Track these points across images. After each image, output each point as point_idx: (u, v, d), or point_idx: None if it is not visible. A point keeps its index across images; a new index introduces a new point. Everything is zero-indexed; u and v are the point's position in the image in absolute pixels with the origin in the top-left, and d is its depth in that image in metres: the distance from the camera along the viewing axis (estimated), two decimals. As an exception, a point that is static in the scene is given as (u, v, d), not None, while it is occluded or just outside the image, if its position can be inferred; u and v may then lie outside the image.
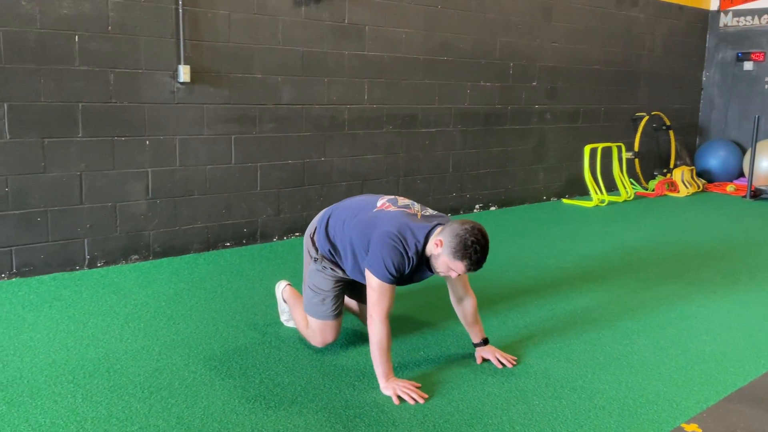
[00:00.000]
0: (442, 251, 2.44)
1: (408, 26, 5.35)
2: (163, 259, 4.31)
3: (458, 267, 2.44)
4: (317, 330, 2.82)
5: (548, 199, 6.80)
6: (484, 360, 2.78)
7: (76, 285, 3.74)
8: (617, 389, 2.58)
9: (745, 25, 8.01)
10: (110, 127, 4.05)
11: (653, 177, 7.77)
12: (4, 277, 3.80)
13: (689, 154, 8.31)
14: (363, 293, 2.81)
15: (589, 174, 6.71)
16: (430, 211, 2.69)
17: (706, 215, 6.21)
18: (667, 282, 4.00)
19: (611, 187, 7.03)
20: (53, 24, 3.78)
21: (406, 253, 2.47)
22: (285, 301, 3.14)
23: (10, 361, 2.74)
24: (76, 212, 3.99)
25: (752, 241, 5.17)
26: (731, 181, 7.89)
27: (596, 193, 6.68)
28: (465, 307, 2.77)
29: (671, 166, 7.86)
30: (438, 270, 2.52)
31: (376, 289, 2.50)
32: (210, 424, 2.29)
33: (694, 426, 2.30)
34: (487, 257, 2.46)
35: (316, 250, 2.83)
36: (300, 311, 2.95)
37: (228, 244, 4.64)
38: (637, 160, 7.48)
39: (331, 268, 2.79)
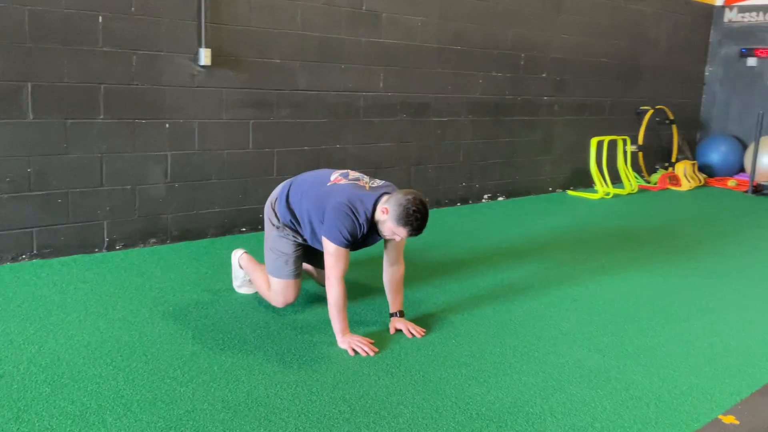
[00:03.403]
0: (387, 218, 2.74)
1: (423, 14, 5.35)
2: (180, 243, 4.30)
3: (401, 232, 2.74)
4: (280, 290, 3.08)
5: (553, 191, 6.85)
6: (397, 330, 2.99)
7: (98, 267, 3.73)
8: (651, 381, 2.62)
9: (749, 21, 8.08)
10: (131, 110, 4.03)
11: (655, 170, 7.84)
12: (24, 258, 3.78)
13: (690, 149, 8.39)
14: (319, 259, 3.10)
15: (596, 166, 6.76)
16: (377, 182, 2.96)
17: (712, 209, 6.28)
18: (683, 275, 4.05)
19: (615, 179, 7.08)
20: (78, 3, 3.74)
21: (357, 220, 2.76)
22: (241, 267, 3.37)
23: (45, 342, 2.74)
24: (96, 194, 3.97)
25: (761, 236, 5.24)
26: (732, 176, 7.98)
27: (602, 186, 6.73)
28: (394, 273, 3.01)
29: (673, 160, 7.93)
30: (384, 234, 2.82)
31: (332, 253, 2.77)
32: (255, 408, 2.31)
33: (731, 418, 2.34)
34: (427, 223, 2.75)
35: (278, 219, 3.09)
36: (261, 275, 3.20)
37: (243, 229, 4.64)
38: (640, 154, 7.54)
39: (293, 235, 3.08)
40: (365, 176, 3.02)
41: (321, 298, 3.36)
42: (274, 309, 3.21)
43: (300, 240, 3.09)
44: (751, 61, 8.12)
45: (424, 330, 3.01)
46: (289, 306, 3.21)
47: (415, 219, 2.69)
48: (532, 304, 3.45)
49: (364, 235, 2.82)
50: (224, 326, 3.00)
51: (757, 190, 7.29)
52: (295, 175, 4.77)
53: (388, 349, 2.82)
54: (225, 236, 4.53)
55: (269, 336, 2.91)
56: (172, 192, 4.27)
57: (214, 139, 4.40)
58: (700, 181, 7.69)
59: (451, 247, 4.44)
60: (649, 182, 7.54)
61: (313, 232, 2.98)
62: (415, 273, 3.73)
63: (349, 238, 2.76)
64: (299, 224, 3.02)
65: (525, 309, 3.38)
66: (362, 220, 2.77)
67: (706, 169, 8.03)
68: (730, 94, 8.33)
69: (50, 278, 3.52)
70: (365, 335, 2.91)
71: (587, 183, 7.05)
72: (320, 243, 2.92)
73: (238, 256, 3.42)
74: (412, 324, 3.03)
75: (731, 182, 7.69)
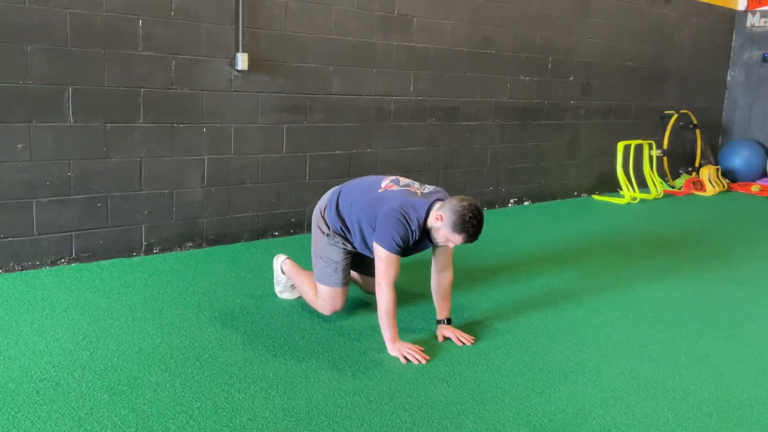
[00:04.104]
0: (442, 225, 2.72)
1: (454, 18, 5.33)
2: (216, 247, 4.30)
3: (457, 239, 2.73)
4: (328, 298, 3.06)
5: (579, 195, 6.82)
6: (445, 338, 2.98)
7: (138, 271, 3.73)
8: (708, 390, 2.60)
9: (773, 25, 8.03)
10: (170, 114, 4.02)
11: (679, 175, 7.81)
12: (63, 262, 3.78)
13: (713, 154, 8.35)
14: (366, 266, 3.18)
15: (622, 171, 6.73)
16: (429, 188, 2.94)
17: (738, 215, 6.25)
18: (721, 282, 4.03)
19: (641, 184, 7.05)
20: (119, 7, 3.74)
21: (410, 227, 2.75)
22: (284, 273, 3.36)
23: (97, 348, 2.73)
24: (135, 198, 3.97)
25: (791, 242, 5.22)
26: (755, 181, 7.94)
27: (629, 190, 6.70)
28: (442, 279, 3.00)
29: (697, 164, 7.89)
30: (438, 241, 2.81)
31: (383, 259, 2.76)
32: (317, 416, 2.29)
33: (796, 429, 2.32)
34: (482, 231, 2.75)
35: (328, 227, 3.06)
36: (307, 282, 3.19)
37: (276, 233, 4.64)
38: (665, 158, 7.51)
39: (342, 243, 3.04)
40: (416, 182, 3.00)
41: (366, 305, 3.36)
42: (319, 315, 3.20)
43: (350, 248, 3.06)
44: (775, 66, 8.07)
45: (473, 338, 2.99)
46: (335, 316, 3.20)
47: (471, 225, 2.68)
48: (576, 311, 3.43)
49: (415, 242, 2.80)
50: (272, 332, 2.99)
51: (783, 195, 7.25)
52: (326, 179, 4.81)
53: (439, 358, 2.81)
54: (258, 240, 4.53)
55: (318, 342, 2.90)
56: (209, 196, 4.27)
57: (250, 143, 4.39)
58: (724, 186, 7.66)
59: (486, 253, 4.42)
60: (673, 187, 7.51)
61: (363, 238, 2.96)
62: (454, 280, 3.71)
63: (401, 244, 2.75)
64: (349, 231, 3.00)
65: (570, 317, 3.36)
66: (414, 227, 2.75)
67: (728, 174, 7.99)
68: (753, 99, 8.30)
69: (92, 283, 3.51)
70: (413, 342, 2.89)
71: (612, 187, 7.03)
72: (370, 250, 2.92)
73: (280, 261, 3.41)
74: (461, 331, 3.01)
75: (755, 188, 7.65)
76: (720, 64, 8.31)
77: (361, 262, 3.22)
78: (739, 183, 7.94)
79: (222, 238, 4.37)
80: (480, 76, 5.62)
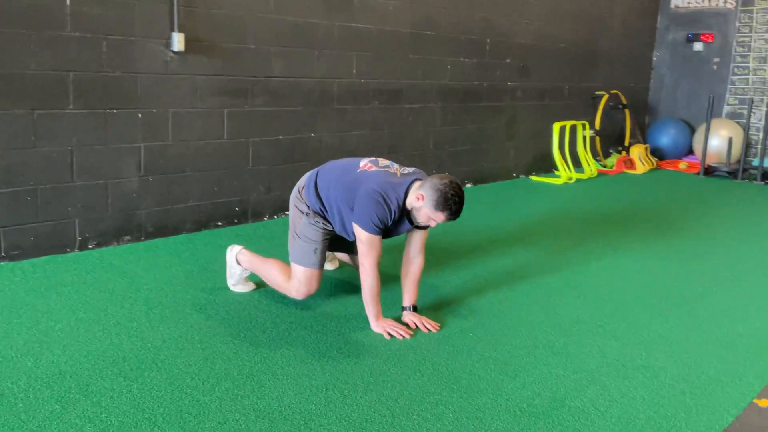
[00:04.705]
0: (423, 204, 2.69)
1: (395, -1, 5.23)
2: (156, 240, 4.08)
3: (439, 217, 2.70)
4: (304, 279, 2.94)
5: (517, 176, 6.87)
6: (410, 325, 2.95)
7: (75, 268, 3.48)
8: (677, 368, 2.61)
9: (695, 6, 8.29)
10: (102, 99, 3.77)
11: (609, 155, 7.99)
12: (-10, 262, 3.49)
13: (641, 133, 8.58)
14: (349, 245, 3.12)
15: (559, 151, 6.81)
16: (407, 169, 2.90)
17: (671, 192, 6.43)
18: (667, 258, 4.11)
19: (575, 164, 7.16)
20: (43, -16, 3.46)
21: (389, 207, 2.71)
22: (239, 264, 3.20)
23: (41, 354, 2.52)
24: (67, 190, 3.70)
25: (725, 216, 5.38)
26: (682, 159, 8.20)
27: (565, 171, 6.79)
28: (413, 265, 2.96)
29: (626, 144, 8.08)
30: (419, 221, 2.77)
31: (365, 241, 2.74)
32: (291, 416, 2.17)
33: (765, 401, 2.36)
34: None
35: (308, 206, 2.99)
36: (274, 267, 3.06)
37: (220, 223, 4.44)
38: (597, 138, 7.66)
39: (323, 223, 2.98)
40: (395, 163, 2.96)
41: (323, 296, 3.23)
42: (277, 308, 3.06)
43: (329, 228, 2.99)
44: (698, 46, 8.35)
45: (438, 324, 2.93)
46: (292, 304, 3.07)
47: (454, 203, 2.66)
48: (534, 292, 3.41)
49: (394, 222, 2.78)
50: (230, 328, 2.83)
51: (709, 171, 7.51)
52: (269, 165, 4.64)
53: (408, 346, 2.73)
54: (201, 231, 4.32)
55: (280, 336, 2.77)
56: (146, 186, 4.03)
57: (189, 129, 4.17)
58: (653, 164, 7.88)
59: (433, 237, 4.34)
60: (605, 166, 7.67)
61: (342, 221, 2.91)
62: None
63: (380, 225, 2.73)
64: (328, 212, 2.95)
65: (529, 298, 3.34)
66: (394, 207, 2.73)
67: (656, 152, 8.22)
68: (678, 79, 8.55)
69: (25, 282, 3.25)
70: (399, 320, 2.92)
71: (548, 168, 7.11)
72: (347, 232, 2.91)
73: (235, 252, 3.24)
74: (426, 318, 2.95)
75: (682, 165, 7.91)
76: (646, 44, 8.52)
77: (345, 242, 3.15)
78: (667, 160, 8.19)
79: (162, 230, 4.14)
80: (422, 57, 5.54)
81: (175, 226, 4.20)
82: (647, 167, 7.71)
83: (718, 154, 7.67)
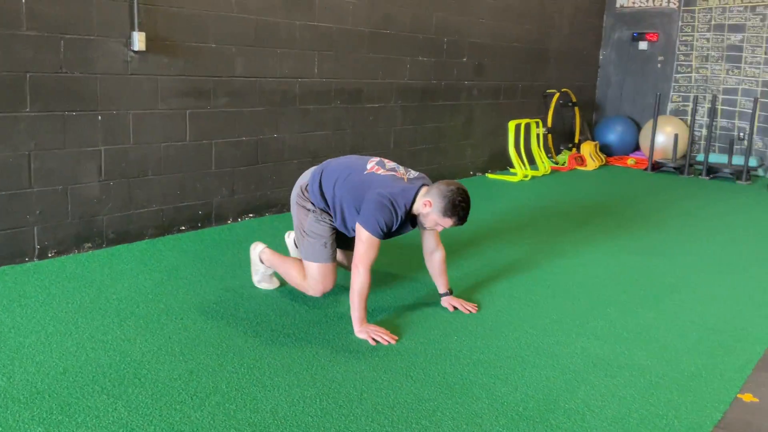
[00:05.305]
0: (431, 210, 2.78)
1: (355, -3, 5.19)
2: (119, 246, 3.93)
3: (446, 223, 2.80)
4: (319, 276, 2.98)
5: (474, 174, 6.92)
6: (454, 308, 3.14)
7: (36, 279, 3.32)
8: (659, 365, 2.67)
9: (640, 6, 8.51)
10: (60, 101, 3.60)
11: (560, 152, 8.13)
12: (-57, 274, 3.30)
13: (590, 130, 8.76)
14: (347, 241, 3.13)
15: (514, 149, 6.89)
16: (412, 173, 2.96)
17: (623, 188, 6.59)
18: (631, 253, 4.20)
19: (530, 161, 7.26)
20: (-4, -20, 3.28)
21: (396, 212, 2.77)
22: (262, 262, 3.25)
23: (14, 372, 2.38)
24: (24, 197, 3.53)
25: (680, 210, 5.54)
26: (629, 155, 8.42)
27: (521, 168, 6.88)
28: (435, 258, 3.12)
29: (576, 141, 8.24)
30: (426, 226, 2.87)
31: (365, 241, 2.77)
32: (288, 429, 2.11)
33: (749, 396, 2.43)
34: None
35: (313, 204, 3.02)
36: (293, 267, 3.10)
37: (183, 228, 4.32)
38: (549, 136, 7.78)
39: (329, 219, 3.02)
40: (400, 166, 3.00)
41: (300, 305, 3.17)
42: (255, 315, 2.99)
43: (335, 223, 3.02)
44: (642, 45, 8.57)
45: (476, 305, 3.16)
46: (271, 311, 3.01)
47: (461, 209, 2.76)
48: (510, 292, 3.44)
49: (398, 227, 2.83)
50: (210, 338, 2.75)
51: (656, 167, 7.73)
52: (232, 167, 4.53)
53: (395, 351, 2.70)
54: (164, 236, 4.19)
55: (264, 345, 2.70)
56: (107, 191, 3.88)
57: (150, 131, 4.04)
58: (603, 161, 8.06)
59: (398, 240, 4.33)
60: (557, 163, 7.80)
61: (343, 219, 2.95)
62: (378, 275, 3.62)
63: (385, 229, 2.77)
64: (330, 209, 2.99)
65: (506, 297, 3.35)
66: (401, 212, 2.78)
67: (604, 149, 8.41)
68: (624, 77, 8.77)
69: (-15, 295, 3.09)
70: (379, 323, 2.92)
71: (503, 165, 7.19)
72: (348, 229, 2.95)
73: (258, 251, 3.27)
74: (465, 300, 3.16)
75: (630, 161, 8.12)
76: (593, 43, 8.71)
77: (345, 239, 3.15)
78: (615, 157, 8.39)
79: (124, 237, 4.00)
80: (382, 56, 5.51)
81: (137, 232, 4.06)
82: (597, 164, 7.89)
83: (664, 150, 7.90)
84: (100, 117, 3.78)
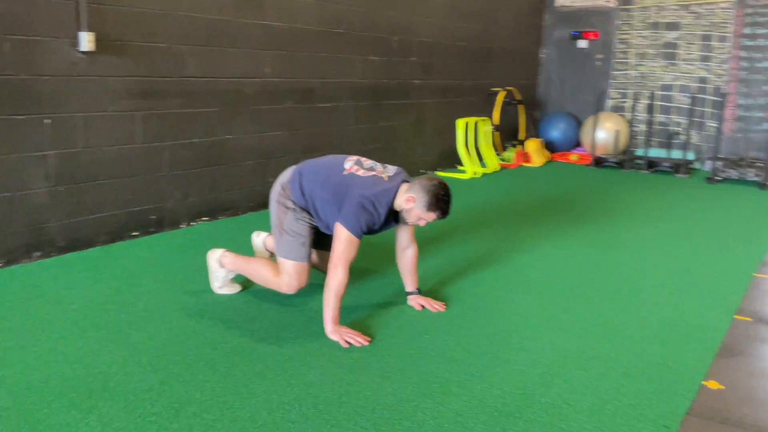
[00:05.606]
0: (415, 206, 2.83)
1: (305, -4, 5.14)
2: (70, 254, 3.79)
3: (430, 217, 2.86)
4: (295, 273, 2.99)
5: (425, 173, 6.95)
6: (422, 306, 3.17)
7: (-14, 292, 3.17)
8: (627, 356, 2.73)
9: (579, 5, 8.72)
10: (5, 104, 3.45)
11: (506, 149, 8.26)
12: None
13: (534, 127, 8.93)
14: (322, 242, 3.16)
15: (464, 147, 6.96)
16: (390, 169, 2.98)
17: (568, 182, 6.74)
18: (586, 246, 4.30)
19: (478, 159, 7.35)
20: (-66, -22, 3.12)
21: (378, 213, 2.81)
22: (223, 267, 3.22)
23: (-28, 391, 2.27)
24: (-31, 205, 3.37)
25: (626, 203, 5.71)
26: (571, 151, 8.62)
27: (471, 166, 6.95)
28: (408, 255, 3.16)
29: (521, 138, 8.39)
30: (409, 221, 2.92)
31: (344, 240, 2.78)
32: (270, 437, 2.08)
33: (714, 383, 2.51)
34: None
35: (293, 202, 3.02)
36: (261, 266, 3.09)
37: (135, 233, 4.19)
38: (497, 133, 7.89)
39: (308, 218, 3.03)
40: (377, 164, 3.01)
41: (265, 309, 3.13)
42: (221, 320, 2.93)
43: (314, 222, 3.05)
44: (582, 43, 8.79)
45: (444, 303, 3.18)
46: (236, 317, 2.95)
47: (444, 203, 2.82)
48: (474, 290, 3.47)
49: (380, 225, 2.87)
50: (177, 346, 2.68)
51: (599, 162, 7.94)
52: (186, 170, 4.43)
53: (367, 352, 2.69)
54: (116, 243, 4.06)
55: (234, 352, 2.64)
56: (56, 197, 3.74)
57: (101, 134, 3.91)
58: (547, 157, 8.22)
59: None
60: (504, 160, 7.92)
61: (327, 220, 2.96)
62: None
63: (365, 229, 2.81)
64: (311, 208, 3.01)
65: (470, 294, 3.38)
66: (382, 211, 2.82)
67: (548, 146, 8.59)
68: (564, 75, 8.97)
69: (-69, 310, 2.93)
70: (351, 323, 2.93)
71: (453, 163, 7.25)
72: (330, 229, 2.96)
73: (217, 256, 3.23)
74: (432, 299, 3.18)
75: (574, 156, 8.31)
76: (535, 42, 8.88)
77: (322, 239, 3.18)
78: (559, 153, 8.58)
79: (75, 244, 3.86)
80: (333, 56, 5.48)
81: (88, 239, 3.93)
82: (543, 160, 8.05)
83: (606, 146, 8.12)
84: (47, 120, 3.63)
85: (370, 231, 2.88)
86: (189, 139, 4.42)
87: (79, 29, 3.69)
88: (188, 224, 4.52)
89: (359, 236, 2.80)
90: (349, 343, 2.73)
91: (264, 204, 5.04)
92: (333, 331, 2.78)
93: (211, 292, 3.28)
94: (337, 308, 2.80)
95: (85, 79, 3.77)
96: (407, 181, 2.92)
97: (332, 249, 2.81)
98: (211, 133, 4.56)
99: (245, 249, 3.66)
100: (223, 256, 3.22)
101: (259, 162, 4.94)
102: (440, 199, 2.81)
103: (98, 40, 3.77)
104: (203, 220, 4.62)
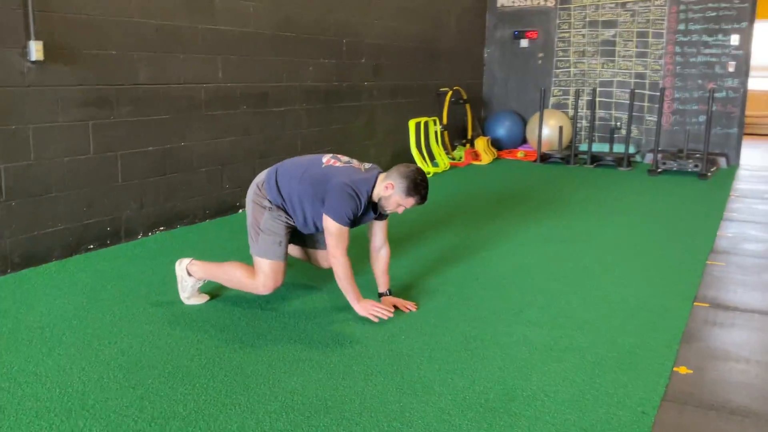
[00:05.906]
0: (393, 192, 2.90)
1: None
2: (26, 271, 3.67)
3: (409, 202, 2.94)
4: (271, 273, 3.00)
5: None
6: (394, 307, 3.17)
7: (-59, 313, 3.04)
8: (598, 346, 2.81)
9: (519, 5, 8.90)
10: (-48, 117, 3.31)
11: (455, 148, 8.36)
12: None
13: (481, 125, 9.06)
14: (311, 239, 3.29)
15: (416, 147, 7.02)
16: (367, 165, 3.09)
17: (517, 179, 6.88)
18: (544, 242, 4.40)
19: (429, 158, 7.42)
20: None
21: (359, 200, 2.89)
22: (191, 275, 3.18)
23: (-59, 418, 2.17)
24: None
25: (575, 198, 5.86)
26: (518, 148, 8.78)
27: (423, 165, 7.01)
28: (381, 256, 3.21)
29: (469, 137, 8.51)
30: (388, 209, 2.98)
31: (335, 233, 2.89)
32: (260, 446, 2.06)
33: (684, 368, 2.61)
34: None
35: (270, 201, 3.04)
36: (236, 268, 3.08)
37: (92, 246, 4.08)
38: (445, 133, 7.98)
39: (285, 217, 3.06)
40: (354, 159, 3.11)
41: (245, 317, 3.09)
42: (193, 332, 2.89)
43: (291, 222, 3.07)
44: (523, 43, 8.97)
45: (415, 303, 3.21)
46: (209, 327, 2.92)
47: (422, 188, 2.92)
48: (443, 288, 3.50)
49: (361, 214, 2.93)
50: (152, 360, 2.62)
51: (544, 158, 8.12)
52: (141, 179, 4.34)
53: (346, 354, 2.69)
54: (72, 257, 3.95)
55: (211, 363, 2.61)
56: (9, 211, 3.61)
57: (52, 145, 3.79)
58: (495, 155, 8.37)
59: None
60: (454, 159, 8.02)
61: (304, 215, 3.02)
62: (303, 277, 3.60)
63: (351, 216, 2.88)
64: (288, 207, 3.03)
65: (440, 293, 3.42)
66: (363, 199, 2.89)
67: (495, 143, 8.74)
68: (508, 74, 9.14)
69: None
70: (323, 325, 2.99)
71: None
72: (309, 225, 3.05)
73: (185, 265, 3.19)
74: (403, 300, 3.22)
75: (520, 153, 8.48)
76: (478, 42, 9.01)
77: (304, 237, 3.27)
78: (505, 150, 8.73)
79: (30, 260, 3.73)
80: (284, 59, 5.45)
81: (43, 254, 3.80)
82: (491, 158, 8.18)
83: (550, 142, 8.32)
84: (-4, 133, 3.50)
85: (354, 221, 2.94)
86: (143, 147, 4.33)
87: (27, 38, 3.57)
88: (146, 235, 4.42)
89: (347, 224, 2.88)
90: (378, 318, 2.96)
91: (221, 211, 4.98)
92: (360, 308, 2.99)
93: (178, 302, 3.22)
94: (354, 288, 2.97)
95: (35, 89, 3.66)
96: (383, 173, 3.01)
97: (327, 246, 2.92)
98: (165, 140, 4.48)
99: (205, 258, 3.60)
100: (191, 264, 3.18)
101: (215, 168, 4.88)
102: (418, 184, 2.90)
103: (47, 49, 3.66)
104: (161, 230, 4.53)
